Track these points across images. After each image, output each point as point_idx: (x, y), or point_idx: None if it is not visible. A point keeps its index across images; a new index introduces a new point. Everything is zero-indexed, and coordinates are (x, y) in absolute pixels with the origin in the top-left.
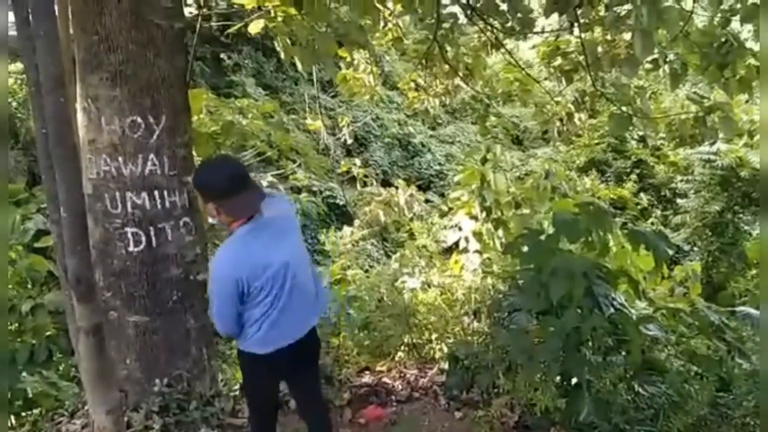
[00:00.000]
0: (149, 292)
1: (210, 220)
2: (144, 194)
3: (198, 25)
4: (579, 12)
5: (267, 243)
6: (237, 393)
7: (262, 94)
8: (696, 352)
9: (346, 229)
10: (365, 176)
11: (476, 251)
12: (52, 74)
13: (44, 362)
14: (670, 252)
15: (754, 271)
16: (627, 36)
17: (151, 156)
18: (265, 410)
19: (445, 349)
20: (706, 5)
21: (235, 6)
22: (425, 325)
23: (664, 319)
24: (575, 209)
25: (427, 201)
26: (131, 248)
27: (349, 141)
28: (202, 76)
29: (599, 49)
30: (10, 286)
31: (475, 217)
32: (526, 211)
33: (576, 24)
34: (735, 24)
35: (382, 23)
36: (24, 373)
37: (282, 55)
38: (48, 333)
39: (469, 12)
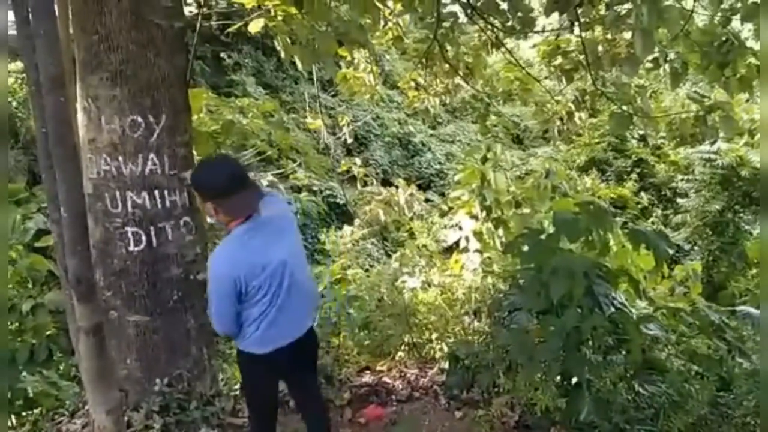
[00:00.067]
0: (149, 292)
1: (208, 219)
2: (144, 194)
3: (198, 25)
4: (579, 11)
5: (265, 242)
6: (237, 392)
7: (263, 93)
8: (696, 352)
9: (347, 229)
10: (365, 175)
11: (476, 250)
12: (52, 74)
13: (44, 362)
14: (671, 251)
15: (754, 271)
16: (627, 35)
17: (152, 155)
18: (265, 410)
19: (446, 349)
20: (706, 4)
21: (235, 5)
22: (425, 324)
23: (665, 318)
24: (575, 208)
25: (427, 200)
26: (131, 248)
27: (350, 140)
28: (203, 76)
29: (600, 48)
30: (10, 286)
31: (475, 217)
32: (526, 210)
33: (576, 23)
34: (735, 23)
35: (382, 22)
36: (24, 373)
37: (282, 54)
38: (48, 332)
39: (469, 11)
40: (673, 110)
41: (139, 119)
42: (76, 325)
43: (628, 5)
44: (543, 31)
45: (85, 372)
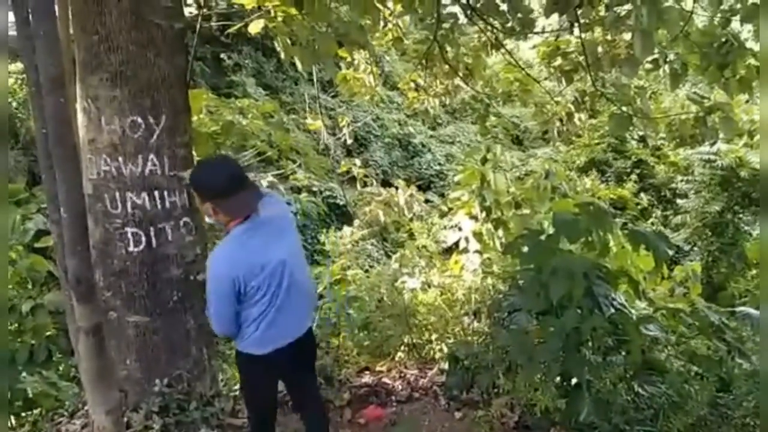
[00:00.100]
0: (149, 292)
1: (207, 219)
2: (144, 194)
3: (198, 25)
4: (579, 12)
5: (264, 242)
6: (237, 393)
7: (263, 94)
8: (696, 353)
9: (346, 229)
10: (365, 176)
11: (476, 251)
12: (52, 74)
13: (44, 362)
14: (670, 252)
15: (754, 272)
16: (627, 36)
17: (151, 156)
18: (265, 411)
19: (445, 350)
20: (706, 5)
21: (235, 6)
22: (425, 325)
23: (664, 319)
24: (575, 209)
25: (427, 201)
26: (131, 248)
27: (349, 141)
28: (203, 76)
29: (599, 49)
30: (10, 286)
31: (475, 217)
32: (526, 211)
33: (576, 24)
34: (735, 24)
35: (382, 23)
36: (24, 373)
37: (282, 55)
38: (48, 333)
39: (469, 12)
40: (673, 111)
41: (139, 120)
42: (75, 326)
43: (627, 6)
44: (543, 32)
45: (85, 372)
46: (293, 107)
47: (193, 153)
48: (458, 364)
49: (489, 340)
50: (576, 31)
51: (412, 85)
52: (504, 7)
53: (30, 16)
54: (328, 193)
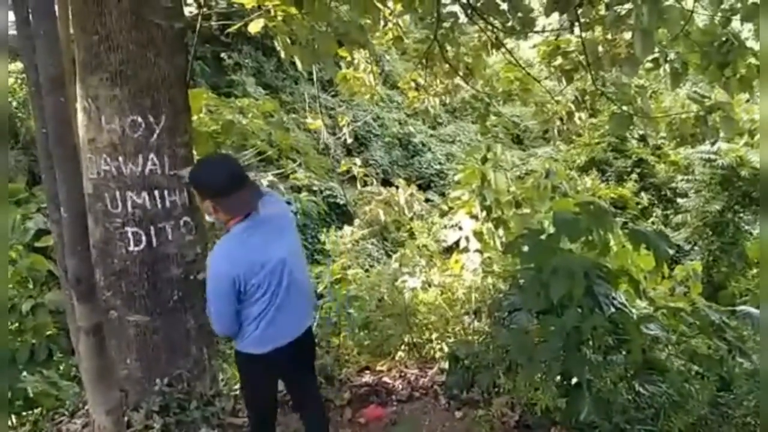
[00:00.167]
0: (149, 292)
1: (207, 217)
2: (144, 194)
3: (198, 25)
4: (579, 11)
5: (264, 240)
6: (237, 392)
7: (262, 93)
8: (696, 352)
9: (347, 229)
10: (365, 176)
11: (477, 250)
12: (52, 74)
13: (44, 362)
14: (671, 251)
15: (754, 271)
16: (627, 35)
17: (152, 155)
18: (265, 410)
19: (446, 349)
20: (706, 4)
21: (235, 5)
22: (425, 324)
23: (665, 318)
24: (576, 209)
25: (427, 200)
26: (131, 248)
27: (350, 140)
28: (203, 76)
29: (600, 48)
30: (10, 286)
31: (475, 217)
32: (526, 210)
33: (576, 23)
34: (735, 23)
35: (382, 22)
36: (24, 373)
37: (282, 55)
38: (48, 332)
39: (469, 11)
40: (674, 110)
41: (139, 119)
42: (76, 325)
43: (628, 5)
44: (543, 31)
45: (85, 372)
46: (293, 106)
47: (194, 152)
48: (459, 364)
49: (489, 339)
50: (576, 30)
51: (413, 84)
52: (504, 6)
53: (30, 16)
54: (328, 192)
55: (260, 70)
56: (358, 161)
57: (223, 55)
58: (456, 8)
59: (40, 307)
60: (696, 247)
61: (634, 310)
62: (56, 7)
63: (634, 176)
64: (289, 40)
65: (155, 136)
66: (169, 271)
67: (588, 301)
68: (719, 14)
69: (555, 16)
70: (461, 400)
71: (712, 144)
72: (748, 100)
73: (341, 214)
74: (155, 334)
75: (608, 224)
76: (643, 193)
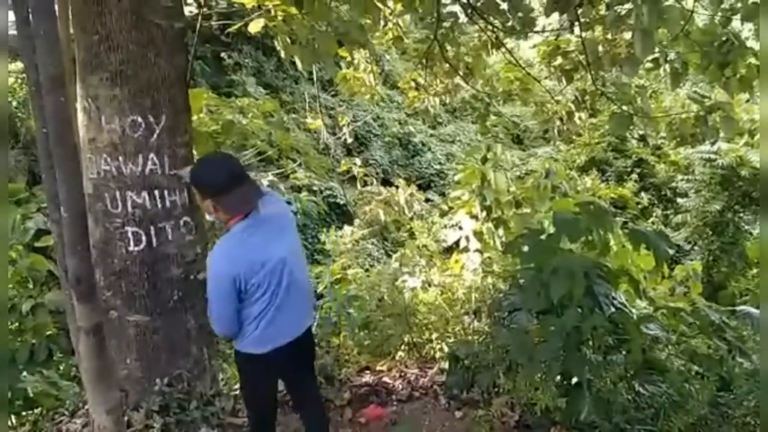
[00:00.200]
0: (150, 292)
1: (207, 216)
2: (144, 194)
3: (198, 25)
4: (579, 11)
5: (265, 239)
6: (237, 392)
7: (263, 93)
8: (696, 352)
9: (347, 229)
10: (365, 175)
11: (477, 250)
12: (52, 74)
13: (44, 362)
14: (671, 251)
15: (754, 271)
16: (627, 35)
17: (152, 155)
18: (265, 410)
19: (446, 349)
20: (706, 4)
21: (236, 5)
22: (425, 324)
23: (665, 318)
24: (576, 208)
25: (427, 200)
26: (131, 248)
27: (350, 140)
28: (203, 76)
29: (600, 48)
30: (10, 286)
31: (475, 217)
32: (526, 210)
33: (576, 23)
34: (736, 23)
35: (382, 22)
36: (24, 373)
37: (282, 55)
38: (48, 332)
39: (469, 11)
40: (674, 110)
41: (139, 119)
42: (76, 325)
43: (628, 5)
44: (543, 31)
45: (85, 372)
46: (293, 106)
47: (194, 152)
48: (458, 364)
49: (489, 339)
50: (576, 30)
51: (413, 84)
52: (504, 6)
53: (30, 16)
54: (328, 192)
55: (260, 69)
56: (358, 161)
57: (223, 55)
58: (456, 8)
59: (40, 307)
60: (696, 247)
61: (634, 310)
62: (56, 7)
63: (634, 176)
64: (289, 40)
65: (155, 136)
66: (169, 271)
67: (588, 301)
68: (719, 14)
69: (555, 16)
70: (461, 400)
71: (712, 144)
72: (748, 100)
73: (341, 214)
74: (155, 334)
75: (608, 224)
76: (643, 193)
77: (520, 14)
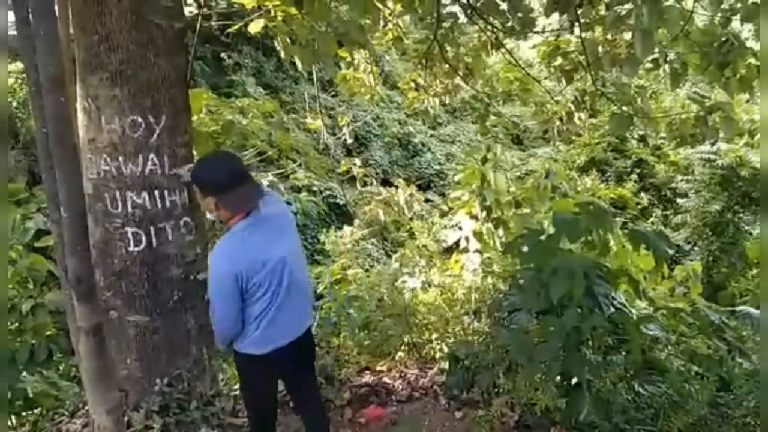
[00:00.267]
0: (149, 292)
1: (208, 215)
2: (144, 194)
3: (198, 25)
4: (579, 11)
5: (265, 239)
6: (237, 392)
7: (263, 93)
8: (696, 352)
9: (347, 229)
10: (365, 176)
11: (476, 251)
12: (52, 74)
13: (44, 362)
14: (671, 252)
15: (754, 271)
16: (627, 35)
17: (152, 155)
18: (265, 411)
19: (446, 349)
20: (706, 5)
21: (236, 5)
22: (425, 324)
23: (665, 318)
24: (575, 209)
25: (427, 200)
26: (131, 248)
27: (349, 140)
28: (203, 76)
29: (600, 48)
30: (10, 286)
31: (475, 217)
32: (526, 210)
33: (576, 23)
34: (735, 23)
35: (382, 23)
36: (24, 373)
37: (282, 55)
38: (48, 333)
39: (469, 11)
40: (673, 111)
41: (139, 119)
42: (76, 325)
43: (628, 5)
44: (543, 31)
45: (85, 372)
46: (293, 107)
47: (194, 152)
48: (458, 364)
49: (489, 339)
50: (576, 30)
51: (412, 84)
52: (504, 6)
53: (30, 16)
54: (328, 192)
55: (260, 70)
56: (358, 161)
57: (223, 55)
58: (456, 8)
59: (40, 307)
60: (696, 248)
61: (633, 310)
62: (56, 7)
63: (633, 176)
64: (289, 40)
65: (155, 136)
66: (169, 271)
67: (588, 301)
68: (719, 14)
69: (555, 16)
70: (461, 401)
71: (712, 144)
72: (748, 100)
73: (341, 214)
74: (155, 334)
75: (608, 224)
76: (642, 194)
77: (519, 14)
